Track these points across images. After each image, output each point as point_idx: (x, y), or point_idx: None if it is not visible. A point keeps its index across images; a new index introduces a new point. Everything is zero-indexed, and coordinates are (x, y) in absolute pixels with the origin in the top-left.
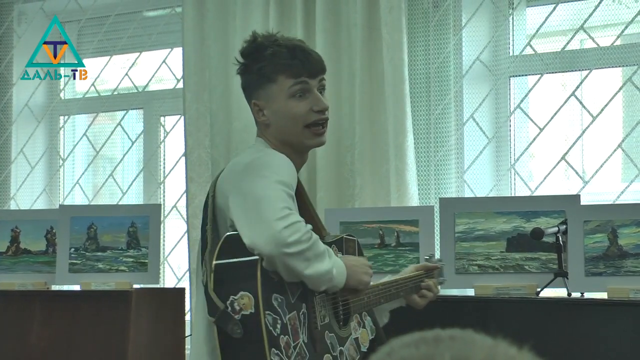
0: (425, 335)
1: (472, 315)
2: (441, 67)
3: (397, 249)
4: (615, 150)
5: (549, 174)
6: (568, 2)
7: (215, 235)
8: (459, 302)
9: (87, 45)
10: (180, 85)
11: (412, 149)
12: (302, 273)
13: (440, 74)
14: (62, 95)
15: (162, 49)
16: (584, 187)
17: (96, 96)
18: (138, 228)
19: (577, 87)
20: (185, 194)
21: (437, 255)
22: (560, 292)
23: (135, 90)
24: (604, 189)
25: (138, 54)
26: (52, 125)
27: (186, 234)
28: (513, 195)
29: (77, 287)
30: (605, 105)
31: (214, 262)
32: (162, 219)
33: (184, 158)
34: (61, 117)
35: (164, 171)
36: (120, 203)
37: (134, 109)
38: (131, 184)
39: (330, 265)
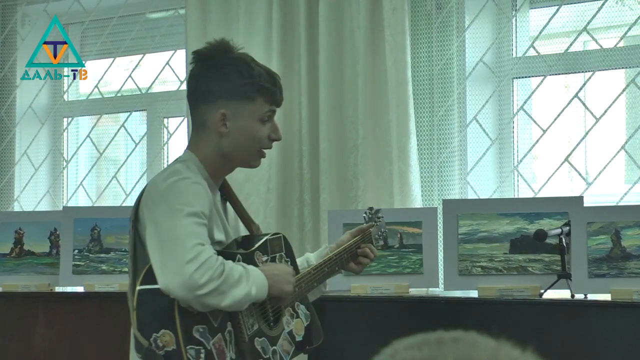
0: (428, 338)
1: (476, 317)
2: (444, 69)
3: (401, 250)
4: (618, 152)
5: (552, 175)
6: (571, 3)
7: (134, 267)
8: (462, 304)
9: (91, 47)
10: (184, 87)
11: (415, 150)
12: (219, 306)
13: (443, 76)
14: (65, 97)
15: (165, 51)
16: (587, 188)
17: (99, 98)
18: None
19: (580, 89)
20: None
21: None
22: (563, 294)
23: (139, 92)
24: (607, 190)
25: (141, 55)
26: (55, 126)
27: None
28: (516, 196)
29: (80, 289)
30: (609, 107)
31: (135, 303)
32: None
33: None
34: (65, 119)
35: None
36: (123, 205)
37: (137, 110)
38: (135, 185)
39: (248, 288)
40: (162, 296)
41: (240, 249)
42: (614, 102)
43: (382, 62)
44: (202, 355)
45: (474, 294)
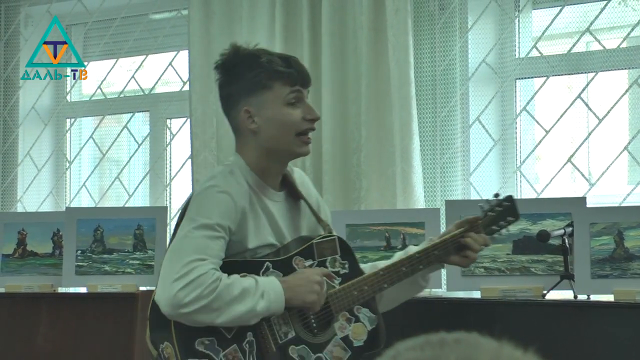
0: (431, 338)
1: (478, 318)
2: (447, 70)
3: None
4: (621, 153)
5: (555, 176)
6: (574, 4)
7: None
8: (465, 305)
9: (94, 48)
10: (187, 87)
11: (418, 151)
12: (214, 323)
13: (446, 77)
14: (68, 97)
15: (168, 52)
16: (590, 189)
17: (102, 99)
18: (144, 230)
19: (583, 90)
20: None
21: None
22: (566, 295)
23: (142, 93)
24: (610, 191)
25: (144, 56)
26: (58, 127)
27: None
28: (519, 197)
29: (83, 290)
30: (611, 108)
31: (148, 313)
32: (168, 221)
33: (190, 160)
34: (67, 120)
35: (170, 173)
36: (126, 205)
37: (140, 111)
38: (137, 186)
39: (253, 303)
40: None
41: (276, 256)
42: (616, 102)
43: (384, 62)
44: None
45: (476, 294)
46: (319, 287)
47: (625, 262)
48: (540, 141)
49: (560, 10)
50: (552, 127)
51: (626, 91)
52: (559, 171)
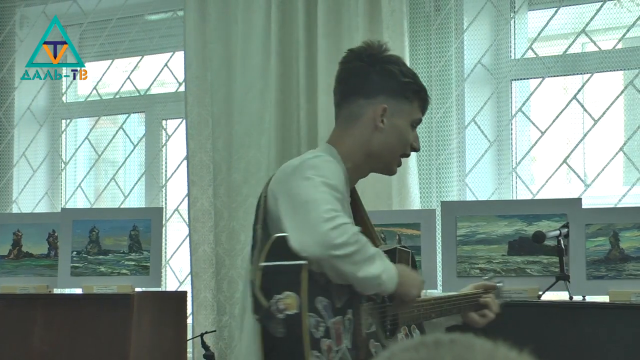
0: (426, 339)
1: None
2: (443, 71)
3: None
4: (616, 154)
5: (550, 177)
6: (570, 5)
7: (264, 235)
8: None
9: (89, 49)
10: (182, 88)
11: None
12: (351, 275)
13: (441, 78)
14: (64, 98)
15: (164, 53)
16: (585, 190)
17: (98, 100)
18: (140, 231)
19: (579, 91)
20: (187, 198)
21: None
22: (561, 296)
23: (137, 94)
24: (605, 192)
25: (140, 57)
26: (54, 128)
27: (188, 237)
28: (515, 198)
29: (79, 291)
30: (607, 109)
31: (262, 263)
32: (163, 222)
33: (185, 161)
34: (63, 121)
35: (165, 175)
36: (122, 206)
37: (135, 112)
38: (133, 187)
39: (380, 270)
40: (290, 258)
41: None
42: (612, 103)
43: None
44: (321, 328)
45: None
46: (423, 286)
47: (621, 263)
48: (536, 142)
49: (556, 12)
50: (548, 128)
51: (621, 92)
52: (554, 172)
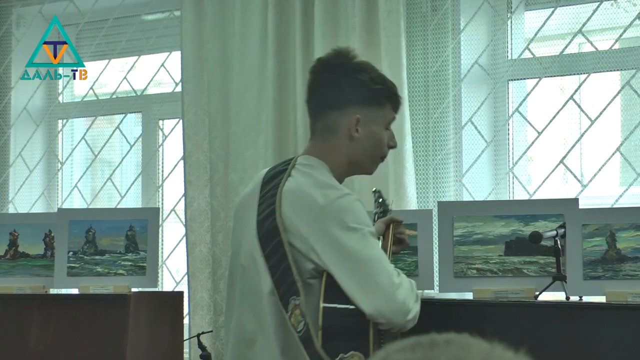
0: (421, 340)
1: (471, 319)
2: (440, 71)
3: None
4: (613, 154)
5: (547, 177)
6: (566, 5)
7: (286, 273)
8: (457, 306)
9: (86, 49)
10: (179, 88)
11: (410, 152)
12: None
13: (438, 78)
14: (60, 98)
15: (161, 53)
16: (582, 190)
17: (95, 100)
18: (136, 231)
19: (576, 91)
20: (183, 198)
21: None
22: (558, 296)
23: (134, 94)
24: (602, 192)
25: (137, 57)
26: (50, 128)
27: (184, 238)
28: (511, 199)
29: (75, 291)
30: (604, 109)
31: (320, 322)
32: (160, 222)
33: (182, 161)
34: (60, 121)
35: (162, 175)
36: (118, 206)
37: (132, 112)
38: (130, 187)
39: (419, 308)
40: (354, 316)
41: None
42: (609, 104)
43: (377, 64)
44: None
45: (469, 296)
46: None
47: (618, 263)
48: (533, 142)
49: (553, 12)
50: (545, 128)
51: (618, 92)
52: (551, 172)
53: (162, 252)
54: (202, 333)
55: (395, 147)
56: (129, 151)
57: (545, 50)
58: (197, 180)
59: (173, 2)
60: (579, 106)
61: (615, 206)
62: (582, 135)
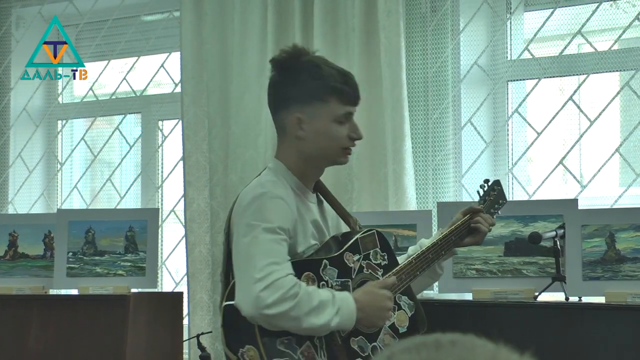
0: (426, 340)
1: (470, 320)
2: (439, 72)
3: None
4: (612, 155)
5: (546, 178)
6: (566, 6)
7: (226, 280)
8: (456, 306)
9: (85, 50)
10: (178, 89)
11: (410, 153)
12: (294, 329)
13: (438, 79)
14: (60, 99)
15: (160, 53)
16: (581, 191)
17: (94, 100)
18: (136, 232)
19: (575, 92)
20: (183, 198)
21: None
22: (558, 297)
23: (133, 95)
24: (601, 193)
25: (136, 58)
26: (50, 129)
27: (184, 238)
28: (511, 199)
29: (75, 292)
30: (603, 110)
31: (221, 319)
32: (160, 223)
33: (182, 162)
34: (59, 121)
35: (162, 175)
36: (118, 207)
37: (132, 113)
38: (129, 188)
39: (329, 317)
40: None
41: (330, 254)
42: (608, 104)
43: (377, 64)
44: None
45: (468, 296)
46: (390, 314)
47: (617, 264)
48: (532, 143)
49: (552, 13)
50: (544, 129)
51: (618, 93)
52: (550, 173)
53: (161, 253)
54: (202, 334)
55: (360, 138)
56: (128, 152)
57: (544, 51)
58: (196, 180)
59: (172, 2)
60: (579, 107)
61: (614, 207)
62: (581, 136)
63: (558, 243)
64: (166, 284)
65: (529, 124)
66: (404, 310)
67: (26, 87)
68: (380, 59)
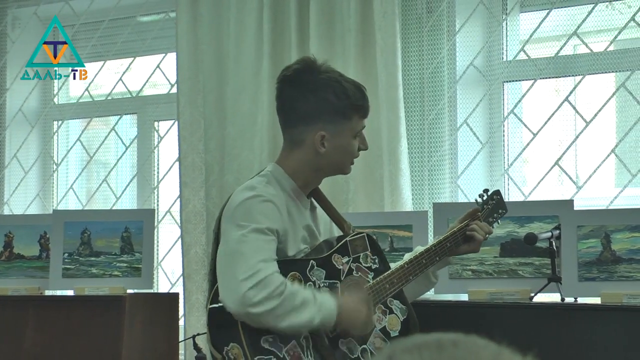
0: (427, 340)
1: (466, 321)
2: (435, 72)
3: (391, 254)
4: (608, 156)
5: (542, 179)
6: (561, 7)
7: (213, 281)
8: (452, 307)
9: (81, 50)
10: (174, 90)
11: (405, 154)
12: (275, 328)
13: (434, 79)
14: (55, 100)
15: (156, 54)
16: (577, 192)
17: (90, 101)
18: (132, 233)
19: (571, 93)
20: (179, 199)
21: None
22: (553, 297)
23: (129, 95)
24: (597, 194)
25: (132, 59)
26: (45, 130)
27: (180, 239)
28: (506, 200)
29: (70, 292)
30: (599, 111)
31: (207, 319)
32: (156, 224)
33: (177, 163)
34: (55, 122)
35: (157, 176)
36: (114, 208)
37: (127, 114)
38: (125, 189)
39: (310, 316)
40: (228, 311)
41: (317, 255)
42: (604, 105)
43: (372, 65)
44: None
45: (464, 297)
46: (369, 327)
47: (613, 264)
48: (528, 144)
49: (548, 14)
50: (540, 130)
51: (613, 94)
52: (546, 174)
53: (157, 254)
54: (198, 334)
55: (366, 149)
56: (124, 152)
57: (540, 52)
58: (192, 181)
59: (168, 3)
60: (574, 108)
61: (610, 207)
62: (577, 137)
63: (554, 244)
64: (162, 285)
65: (525, 125)
66: (395, 314)
67: (22, 87)
68: (376, 59)
